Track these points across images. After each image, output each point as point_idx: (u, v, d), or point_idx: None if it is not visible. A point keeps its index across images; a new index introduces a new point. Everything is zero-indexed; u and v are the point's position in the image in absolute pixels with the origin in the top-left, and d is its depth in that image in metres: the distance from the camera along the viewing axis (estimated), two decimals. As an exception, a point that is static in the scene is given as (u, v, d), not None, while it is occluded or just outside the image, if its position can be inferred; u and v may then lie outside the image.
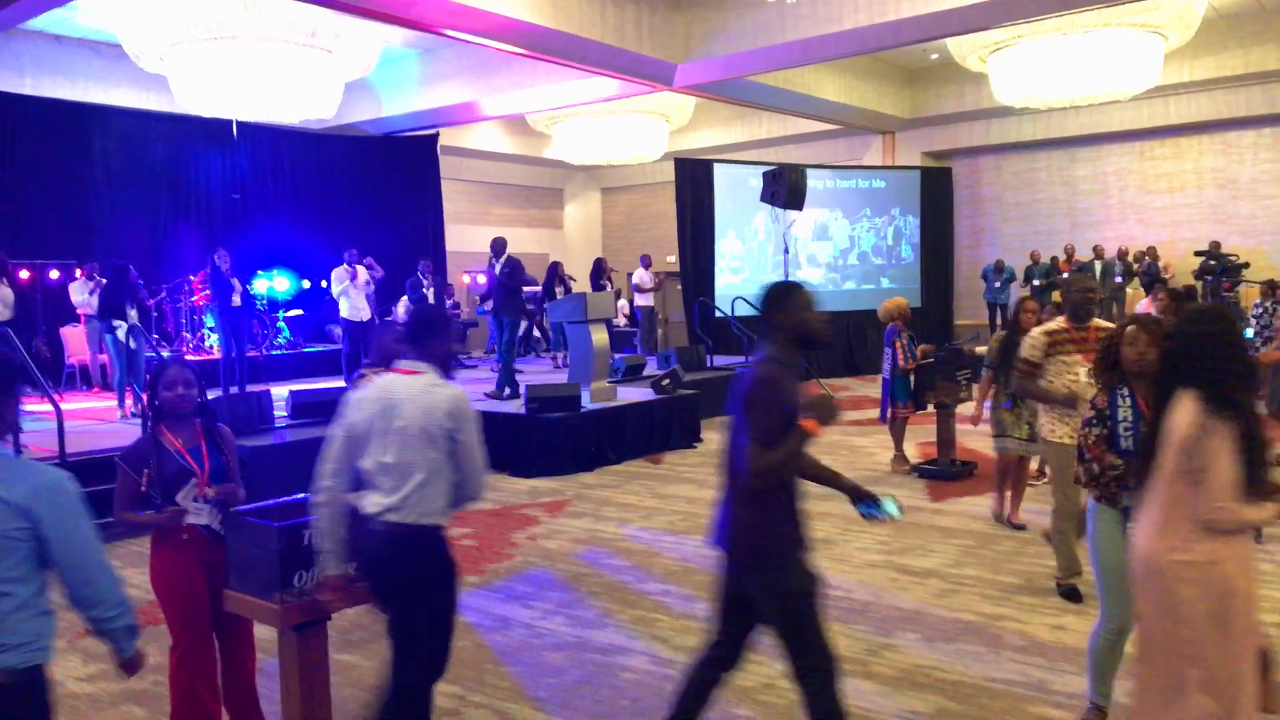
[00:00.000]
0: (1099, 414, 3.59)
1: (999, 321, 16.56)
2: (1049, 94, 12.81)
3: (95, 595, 2.43)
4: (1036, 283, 16.01)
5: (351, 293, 11.78)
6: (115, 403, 9.93)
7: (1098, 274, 15.69)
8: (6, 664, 2.26)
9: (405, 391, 3.14)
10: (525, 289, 11.37)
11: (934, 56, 15.83)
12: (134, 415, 9.18)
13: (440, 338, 3.24)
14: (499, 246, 10.78)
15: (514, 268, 10.67)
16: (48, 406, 7.73)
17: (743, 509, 3.08)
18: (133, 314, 9.78)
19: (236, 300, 11.11)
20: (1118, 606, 3.52)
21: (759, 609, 3.10)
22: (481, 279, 18.55)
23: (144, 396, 9.42)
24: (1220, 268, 13.28)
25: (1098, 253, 15.96)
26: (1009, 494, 6.73)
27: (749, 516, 3.06)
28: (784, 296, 3.11)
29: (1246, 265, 13.75)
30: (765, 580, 3.06)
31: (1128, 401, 3.51)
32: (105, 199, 13.47)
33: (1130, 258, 15.73)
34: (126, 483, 3.46)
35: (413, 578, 3.12)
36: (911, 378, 8.58)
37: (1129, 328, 3.58)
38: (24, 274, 11.65)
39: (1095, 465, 3.56)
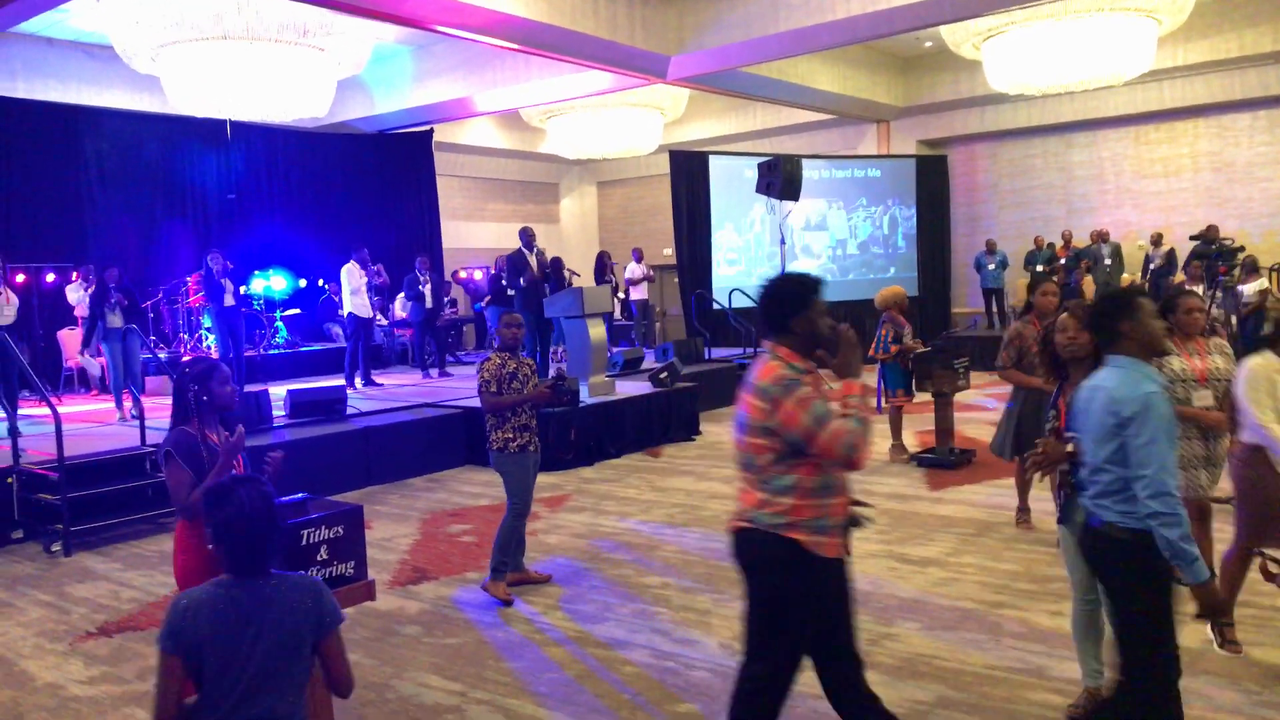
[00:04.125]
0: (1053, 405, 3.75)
1: (995, 309, 16.52)
2: (1043, 80, 12.77)
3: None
4: (1040, 268, 15.96)
5: (361, 290, 11.82)
6: (114, 404, 9.93)
7: (1104, 259, 15.62)
8: (1125, 524, 2.92)
9: None
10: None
11: (928, 44, 15.80)
12: (133, 417, 9.17)
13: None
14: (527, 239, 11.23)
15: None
16: (46, 410, 7.73)
17: None
18: (114, 318, 9.67)
19: (229, 300, 11.07)
20: (1073, 577, 3.70)
21: None
22: (479, 275, 18.56)
23: (132, 397, 9.47)
24: (1216, 252, 13.23)
25: (1094, 238, 15.92)
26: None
27: None
28: None
29: (1242, 249, 13.70)
30: None
31: (1056, 389, 3.68)
32: (100, 201, 13.44)
33: (1150, 241, 15.52)
34: (181, 473, 3.45)
35: None
36: (910, 365, 8.59)
37: (1061, 316, 3.68)
38: (20, 278, 11.63)
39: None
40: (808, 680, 4.20)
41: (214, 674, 2.32)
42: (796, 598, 2.93)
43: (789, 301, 3.00)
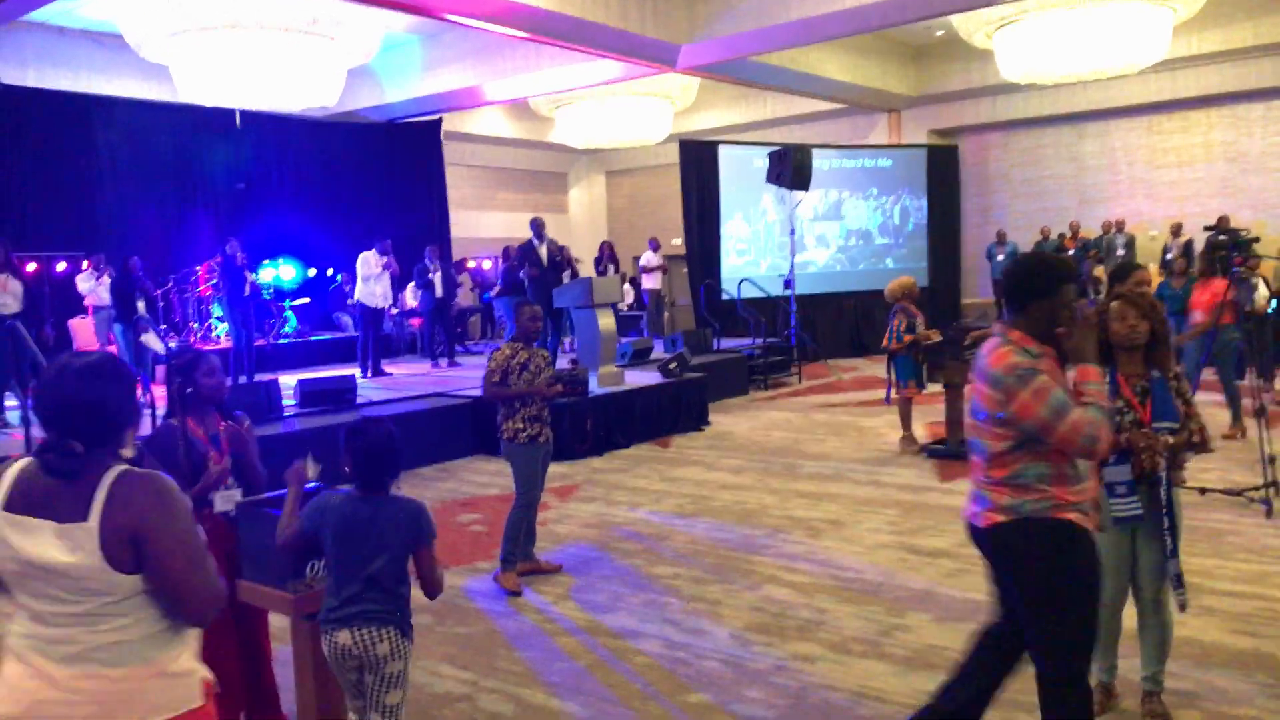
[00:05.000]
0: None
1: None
2: (1056, 69, 12.70)
3: None
4: None
5: (375, 279, 11.85)
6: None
7: (1118, 249, 15.51)
8: None
9: None
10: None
11: (939, 33, 15.71)
12: (143, 406, 9.21)
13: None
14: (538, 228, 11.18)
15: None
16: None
17: None
18: (140, 306, 9.85)
19: (247, 289, 11.13)
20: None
21: None
22: (487, 265, 18.55)
23: (142, 386, 9.50)
24: (1231, 242, 13.14)
25: (1107, 228, 15.82)
26: None
27: None
28: None
29: (1257, 239, 13.60)
30: None
31: (1106, 378, 3.55)
32: (110, 191, 13.46)
33: (1170, 231, 15.33)
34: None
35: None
36: (920, 357, 8.57)
37: (1113, 304, 3.59)
38: (31, 266, 11.66)
39: None
40: (818, 670, 4.20)
41: (334, 562, 2.96)
42: (1082, 571, 2.89)
43: (1034, 284, 2.90)
